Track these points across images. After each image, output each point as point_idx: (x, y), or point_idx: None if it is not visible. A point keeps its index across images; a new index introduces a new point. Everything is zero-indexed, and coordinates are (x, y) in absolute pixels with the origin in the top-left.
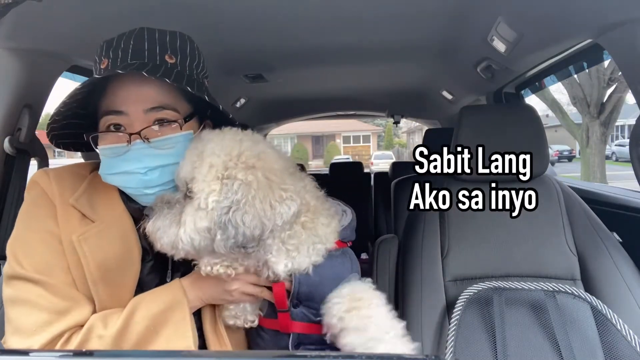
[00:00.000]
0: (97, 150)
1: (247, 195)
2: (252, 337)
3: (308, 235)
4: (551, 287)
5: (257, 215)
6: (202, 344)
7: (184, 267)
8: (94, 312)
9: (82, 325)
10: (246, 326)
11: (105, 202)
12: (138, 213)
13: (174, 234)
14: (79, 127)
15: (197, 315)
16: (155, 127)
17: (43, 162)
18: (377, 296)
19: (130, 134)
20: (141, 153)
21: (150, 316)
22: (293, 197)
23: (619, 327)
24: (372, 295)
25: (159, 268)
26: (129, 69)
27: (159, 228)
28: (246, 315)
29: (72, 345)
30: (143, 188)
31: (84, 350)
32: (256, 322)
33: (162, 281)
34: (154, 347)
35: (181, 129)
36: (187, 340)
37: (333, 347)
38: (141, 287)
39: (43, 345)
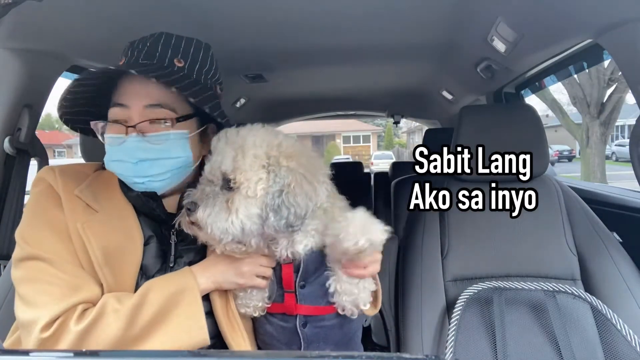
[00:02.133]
0: (100, 137)
1: (295, 179)
2: (261, 324)
3: (326, 218)
4: (551, 287)
5: (305, 196)
6: (216, 330)
7: (187, 253)
8: (103, 293)
9: (93, 302)
10: (255, 314)
11: (108, 195)
12: (137, 201)
13: (224, 220)
14: (92, 114)
15: (209, 302)
16: (149, 123)
17: (43, 162)
18: None
19: (128, 127)
20: (134, 145)
21: (163, 297)
22: (327, 180)
23: (619, 327)
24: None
25: (162, 254)
26: (135, 70)
27: (209, 215)
28: (255, 303)
29: (87, 319)
30: (133, 176)
31: (84, 350)
32: (264, 309)
33: (163, 266)
34: (166, 326)
35: (172, 127)
36: (197, 319)
37: (337, 326)
38: (144, 271)
39: (56, 314)
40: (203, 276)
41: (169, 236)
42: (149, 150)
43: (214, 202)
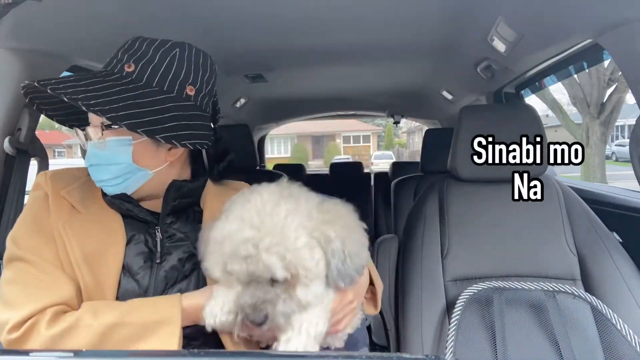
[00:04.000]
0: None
1: (346, 243)
2: None
3: None
4: (551, 287)
5: (360, 251)
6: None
7: (176, 250)
8: (79, 294)
9: (67, 304)
10: None
11: (94, 198)
12: (112, 204)
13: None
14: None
15: None
16: (100, 130)
17: (43, 162)
18: None
19: (85, 134)
20: (90, 151)
21: (142, 323)
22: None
23: (619, 327)
24: None
25: (146, 252)
26: (60, 85)
27: (283, 324)
28: None
29: (59, 326)
30: (94, 181)
31: (84, 350)
32: None
33: (147, 263)
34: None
35: (102, 133)
36: None
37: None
38: (127, 269)
39: (26, 316)
40: (191, 315)
41: (154, 234)
42: (97, 156)
43: (286, 309)
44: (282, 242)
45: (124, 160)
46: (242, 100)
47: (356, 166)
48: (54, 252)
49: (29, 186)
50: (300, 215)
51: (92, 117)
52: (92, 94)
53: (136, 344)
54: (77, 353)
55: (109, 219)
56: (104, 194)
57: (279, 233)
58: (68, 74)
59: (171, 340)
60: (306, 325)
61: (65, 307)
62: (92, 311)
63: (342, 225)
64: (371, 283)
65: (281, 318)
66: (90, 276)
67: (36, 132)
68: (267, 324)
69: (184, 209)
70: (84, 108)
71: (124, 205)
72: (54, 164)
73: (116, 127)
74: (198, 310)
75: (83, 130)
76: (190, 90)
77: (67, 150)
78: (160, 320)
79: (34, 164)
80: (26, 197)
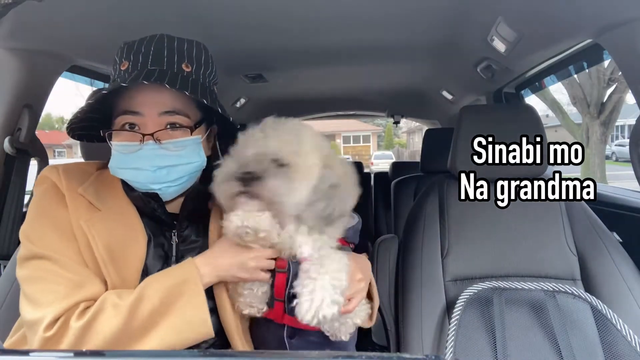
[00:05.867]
0: (110, 144)
1: (346, 180)
2: (257, 326)
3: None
4: (551, 287)
5: (351, 197)
6: (217, 328)
7: (189, 253)
8: (106, 290)
9: (96, 300)
10: (258, 315)
11: (111, 194)
12: (138, 201)
13: (293, 190)
14: (94, 120)
15: (213, 300)
16: (168, 130)
17: (43, 162)
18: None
19: (144, 135)
20: (152, 153)
21: (164, 289)
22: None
23: (619, 327)
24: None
25: (163, 255)
26: (152, 79)
27: (279, 186)
28: (258, 304)
29: (87, 315)
30: (150, 183)
31: (84, 350)
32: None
33: (164, 266)
34: (168, 317)
35: (191, 133)
36: (201, 311)
37: (325, 343)
38: (145, 272)
39: (59, 313)
40: (206, 267)
41: (170, 237)
42: (167, 157)
43: (278, 175)
44: (296, 136)
45: (199, 158)
46: (242, 100)
47: (356, 166)
48: (74, 249)
49: (29, 186)
50: (319, 139)
51: (150, 118)
52: (196, 92)
53: (167, 312)
54: (77, 353)
55: (128, 216)
56: (130, 190)
57: (295, 132)
58: (68, 74)
59: (197, 298)
60: (328, 277)
61: (94, 303)
62: (116, 294)
63: (349, 177)
64: (369, 296)
65: (273, 180)
66: (116, 274)
67: (36, 132)
68: (257, 185)
69: (196, 212)
70: (205, 102)
71: (151, 204)
72: (54, 163)
73: (198, 126)
74: (211, 264)
75: (137, 132)
76: (215, 89)
77: (67, 150)
78: (181, 281)
79: (34, 164)
80: (26, 197)
